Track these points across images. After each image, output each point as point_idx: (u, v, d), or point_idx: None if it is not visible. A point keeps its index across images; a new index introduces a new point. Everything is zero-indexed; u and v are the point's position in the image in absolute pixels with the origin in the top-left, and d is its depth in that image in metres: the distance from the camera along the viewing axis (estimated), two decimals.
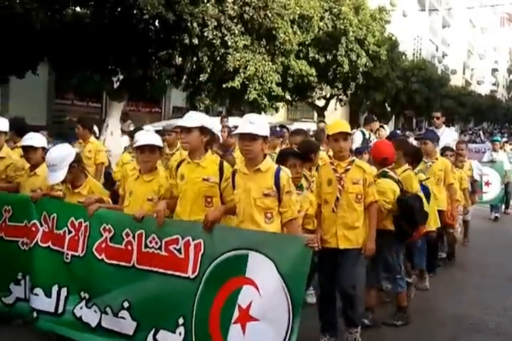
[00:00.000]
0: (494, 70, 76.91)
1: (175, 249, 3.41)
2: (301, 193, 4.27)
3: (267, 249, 3.02)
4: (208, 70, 13.00)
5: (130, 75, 11.58)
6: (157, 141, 4.10)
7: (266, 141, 3.48)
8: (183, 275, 3.34)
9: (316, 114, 24.88)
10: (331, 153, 4.50)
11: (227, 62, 13.07)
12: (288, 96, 18.63)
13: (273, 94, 15.17)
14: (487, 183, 9.79)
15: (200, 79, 13.34)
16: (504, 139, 16.30)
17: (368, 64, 19.27)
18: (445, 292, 5.68)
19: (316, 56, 18.37)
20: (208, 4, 11.29)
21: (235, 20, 12.39)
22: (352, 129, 5.40)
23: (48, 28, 9.63)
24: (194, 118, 3.86)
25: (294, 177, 3.89)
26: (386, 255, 4.52)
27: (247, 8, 12.51)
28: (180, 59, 11.79)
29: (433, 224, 5.38)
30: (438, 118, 8.51)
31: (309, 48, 18.04)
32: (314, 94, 20.75)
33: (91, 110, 17.33)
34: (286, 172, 3.47)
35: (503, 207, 11.49)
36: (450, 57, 57.07)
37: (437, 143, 6.49)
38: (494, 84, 76.17)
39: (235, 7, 12.26)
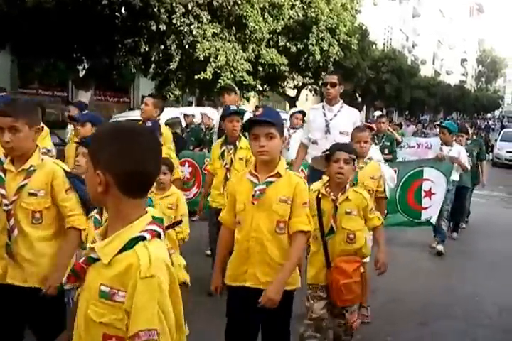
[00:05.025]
0: (463, 60, 78.27)
1: None
2: None
3: None
4: (177, 59, 12.77)
5: (96, 63, 11.30)
6: None
7: None
8: None
9: (287, 104, 24.80)
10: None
11: (196, 51, 12.86)
12: (259, 86, 18.51)
13: (244, 83, 15.03)
14: (428, 193, 6.11)
15: (170, 67, 13.10)
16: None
17: (339, 53, 19.27)
18: (415, 281, 5.70)
19: (287, 45, 18.25)
20: None
21: (203, 8, 12.19)
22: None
23: (8, 14, 9.29)
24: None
25: None
26: None
27: None
28: (147, 47, 11.55)
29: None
30: (334, 85, 4.79)
31: (280, 37, 17.90)
32: (286, 83, 20.65)
33: (57, 100, 16.90)
34: None
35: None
36: (420, 47, 57.72)
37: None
38: (463, 75, 77.55)
39: None
